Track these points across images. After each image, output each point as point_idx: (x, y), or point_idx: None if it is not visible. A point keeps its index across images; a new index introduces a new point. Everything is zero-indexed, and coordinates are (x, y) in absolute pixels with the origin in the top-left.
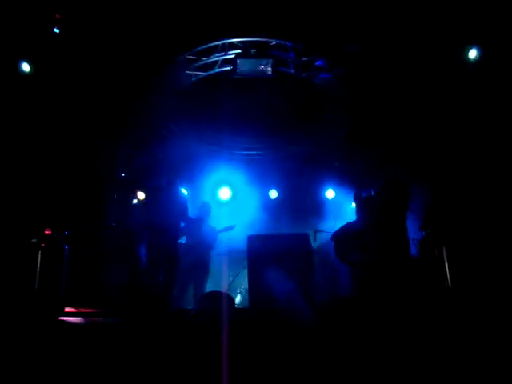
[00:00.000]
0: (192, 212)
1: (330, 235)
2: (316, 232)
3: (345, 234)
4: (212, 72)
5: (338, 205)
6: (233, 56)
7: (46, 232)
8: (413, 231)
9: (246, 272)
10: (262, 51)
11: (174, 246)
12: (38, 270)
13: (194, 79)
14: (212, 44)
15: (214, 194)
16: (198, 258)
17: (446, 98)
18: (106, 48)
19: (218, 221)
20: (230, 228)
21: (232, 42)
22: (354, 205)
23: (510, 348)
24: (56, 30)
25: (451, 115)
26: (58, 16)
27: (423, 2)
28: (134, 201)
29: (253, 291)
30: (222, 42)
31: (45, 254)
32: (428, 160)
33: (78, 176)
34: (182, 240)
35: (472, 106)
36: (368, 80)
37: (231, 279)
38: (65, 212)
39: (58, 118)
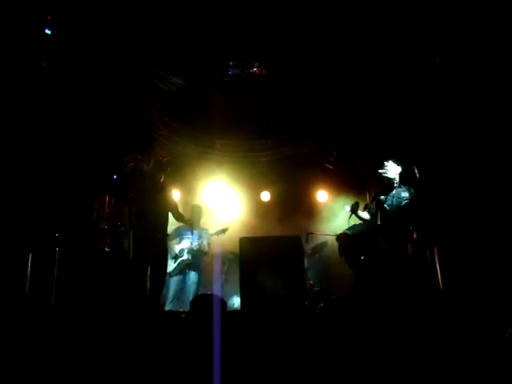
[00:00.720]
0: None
1: (322, 237)
2: (308, 234)
3: (350, 236)
4: (204, 74)
5: (331, 207)
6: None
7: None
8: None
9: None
10: (255, 53)
11: (162, 247)
12: (28, 272)
13: (186, 81)
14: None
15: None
16: (191, 261)
17: (436, 100)
18: (98, 48)
19: (210, 223)
20: (222, 231)
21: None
22: (347, 208)
23: (501, 349)
24: (48, 32)
25: (445, 116)
26: (49, 17)
27: None
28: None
29: (245, 293)
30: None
31: (35, 257)
32: (418, 160)
33: (69, 178)
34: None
35: (465, 107)
36: (357, 84)
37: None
38: (56, 214)
39: (48, 119)
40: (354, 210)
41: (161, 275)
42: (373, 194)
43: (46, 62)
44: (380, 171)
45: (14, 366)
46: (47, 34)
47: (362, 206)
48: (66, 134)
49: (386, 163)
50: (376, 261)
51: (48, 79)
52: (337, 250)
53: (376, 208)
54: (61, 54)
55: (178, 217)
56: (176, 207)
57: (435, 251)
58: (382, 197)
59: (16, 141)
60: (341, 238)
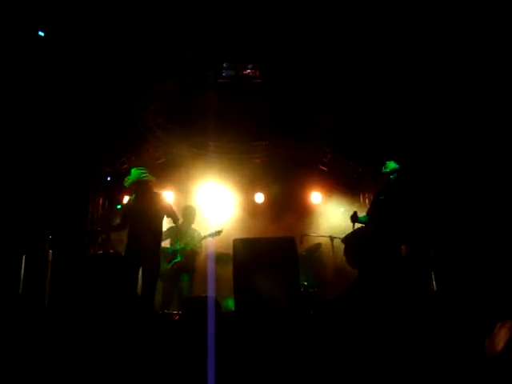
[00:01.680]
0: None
1: (316, 239)
2: (302, 236)
3: (355, 239)
4: (198, 76)
5: (325, 209)
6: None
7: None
8: None
9: None
10: (248, 54)
11: (156, 249)
12: (22, 274)
13: (180, 83)
14: (199, 48)
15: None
16: (183, 262)
17: (428, 101)
18: (92, 50)
19: (203, 225)
20: (217, 233)
21: (218, 46)
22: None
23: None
24: (41, 33)
25: (436, 119)
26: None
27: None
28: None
29: (238, 295)
30: (208, 46)
31: (29, 259)
32: (411, 163)
33: (63, 180)
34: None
35: (459, 107)
36: (351, 86)
37: None
38: (49, 216)
39: (42, 120)
40: (354, 219)
41: (153, 277)
42: (367, 195)
43: (39, 63)
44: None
45: (8, 366)
46: (40, 35)
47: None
48: (60, 136)
49: (387, 162)
50: (375, 262)
51: (42, 80)
52: (331, 251)
53: (375, 208)
54: (55, 55)
55: (175, 219)
56: (171, 208)
57: (430, 253)
58: (382, 197)
59: (10, 142)
60: (345, 240)
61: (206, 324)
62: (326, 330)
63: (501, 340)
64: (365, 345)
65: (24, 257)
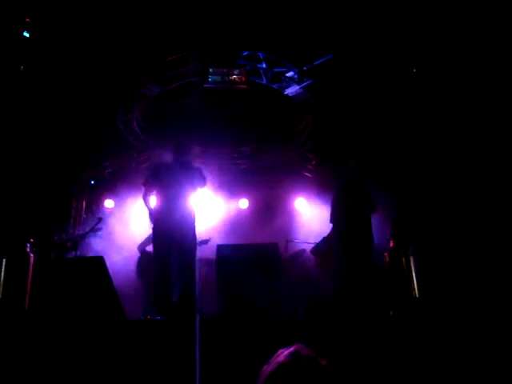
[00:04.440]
0: None
1: (300, 245)
2: (287, 242)
3: (322, 247)
4: (184, 81)
5: (309, 214)
6: (205, 65)
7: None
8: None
9: None
10: (234, 61)
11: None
12: (1, 279)
13: (164, 89)
14: (184, 53)
15: None
16: None
17: (412, 111)
18: (76, 55)
19: None
20: (205, 242)
21: (204, 52)
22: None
23: (476, 359)
24: (26, 34)
25: (420, 125)
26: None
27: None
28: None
29: (222, 301)
30: (193, 51)
31: (9, 263)
32: (396, 169)
33: (45, 183)
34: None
35: (437, 116)
36: (336, 94)
37: None
38: (30, 219)
39: (25, 122)
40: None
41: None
42: None
43: (23, 64)
44: None
45: None
46: (25, 36)
47: None
48: (43, 139)
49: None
50: (353, 270)
51: (26, 82)
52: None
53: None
54: (40, 56)
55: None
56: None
57: (411, 260)
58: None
59: None
60: (314, 251)
61: (191, 329)
62: (310, 336)
63: (272, 364)
64: (347, 352)
65: (4, 260)
